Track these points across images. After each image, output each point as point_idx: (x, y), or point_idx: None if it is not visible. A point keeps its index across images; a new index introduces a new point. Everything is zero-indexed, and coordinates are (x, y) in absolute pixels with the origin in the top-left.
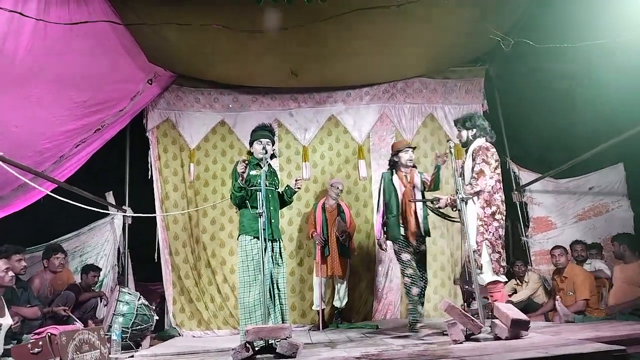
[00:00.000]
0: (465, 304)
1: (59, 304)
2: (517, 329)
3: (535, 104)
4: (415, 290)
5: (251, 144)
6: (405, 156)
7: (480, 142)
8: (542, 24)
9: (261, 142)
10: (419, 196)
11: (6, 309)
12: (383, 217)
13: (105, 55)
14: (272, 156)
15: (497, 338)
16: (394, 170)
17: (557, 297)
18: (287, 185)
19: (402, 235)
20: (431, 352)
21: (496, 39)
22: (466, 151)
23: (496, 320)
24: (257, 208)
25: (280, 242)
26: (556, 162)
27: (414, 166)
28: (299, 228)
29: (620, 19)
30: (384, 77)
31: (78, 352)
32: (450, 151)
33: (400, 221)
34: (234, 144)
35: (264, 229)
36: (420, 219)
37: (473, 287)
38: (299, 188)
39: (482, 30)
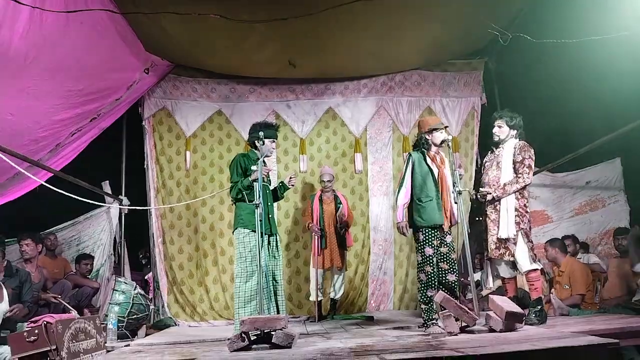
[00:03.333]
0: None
1: (52, 292)
2: (512, 321)
3: (533, 97)
4: (430, 292)
5: (255, 139)
6: (440, 136)
7: (518, 140)
8: (543, 17)
9: (274, 141)
10: (450, 181)
11: (4, 294)
12: (408, 200)
13: (102, 44)
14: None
15: (491, 330)
16: (424, 150)
17: (552, 290)
18: (281, 182)
19: (442, 220)
20: (426, 344)
21: (495, 33)
22: (495, 146)
23: (491, 313)
24: (254, 200)
25: (276, 236)
26: (554, 156)
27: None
28: (295, 221)
29: (619, 14)
30: (382, 69)
31: (74, 341)
32: (448, 145)
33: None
34: (231, 134)
35: (260, 220)
36: (453, 206)
37: (468, 279)
38: (292, 185)
39: (481, 23)
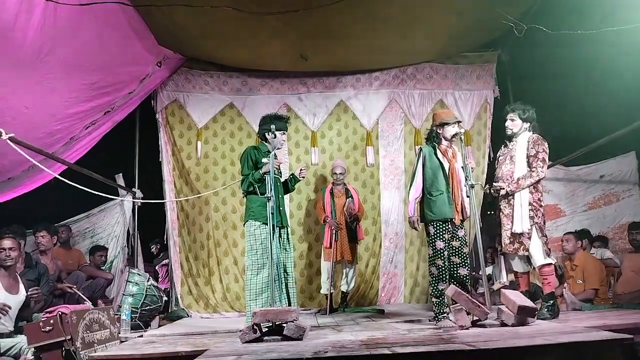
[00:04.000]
0: (473, 289)
1: (68, 282)
2: (524, 315)
3: (547, 90)
4: (442, 286)
5: (266, 131)
6: (451, 130)
7: (532, 133)
8: (558, 8)
9: (284, 133)
10: (462, 175)
11: (20, 285)
12: (420, 195)
13: (115, 37)
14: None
15: (503, 324)
16: (435, 144)
17: (565, 284)
18: (292, 174)
19: (452, 214)
20: (437, 337)
21: (509, 24)
22: (508, 139)
23: (503, 307)
24: (266, 193)
25: (287, 228)
26: (567, 149)
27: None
28: (308, 213)
29: (636, 5)
30: (394, 62)
31: (88, 331)
32: (460, 138)
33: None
34: (242, 127)
35: (272, 213)
36: (465, 200)
37: (480, 273)
38: (303, 177)
39: (494, 14)
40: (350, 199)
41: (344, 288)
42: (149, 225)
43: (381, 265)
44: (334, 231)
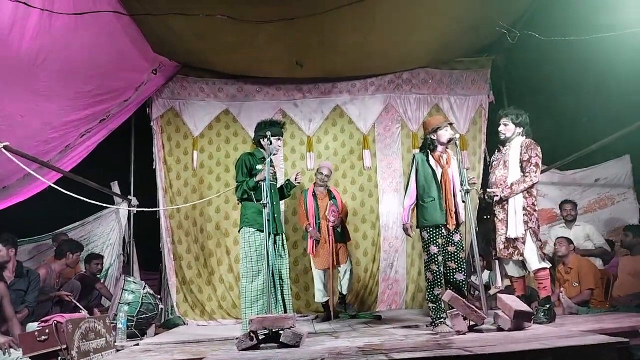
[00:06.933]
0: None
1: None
2: (520, 320)
3: (542, 95)
4: (437, 291)
5: (261, 137)
6: (445, 133)
7: (525, 138)
8: (551, 14)
9: (279, 138)
10: (457, 180)
11: None
12: (414, 202)
13: (110, 45)
14: None
15: (499, 329)
16: (428, 151)
17: (561, 288)
18: (287, 180)
19: (444, 220)
20: (434, 343)
21: (503, 30)
22: (501, 144)
23: (499, 312)
24: (261, 199)
25: (282, 235)
26: (562, 153)
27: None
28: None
29: (627, 11)
30: (389, 67)
31: (84, 340)
32: (455, 143)
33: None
34: (237, 132)
35: (268, 220)
36: (459, 205)
37: (475, 279)
38: (298, 182)
39: (488, 20)
40: (332, 201)
41: (344, 291)
42: (146, 233)
43: (381, 270)
44: (314, 239)
